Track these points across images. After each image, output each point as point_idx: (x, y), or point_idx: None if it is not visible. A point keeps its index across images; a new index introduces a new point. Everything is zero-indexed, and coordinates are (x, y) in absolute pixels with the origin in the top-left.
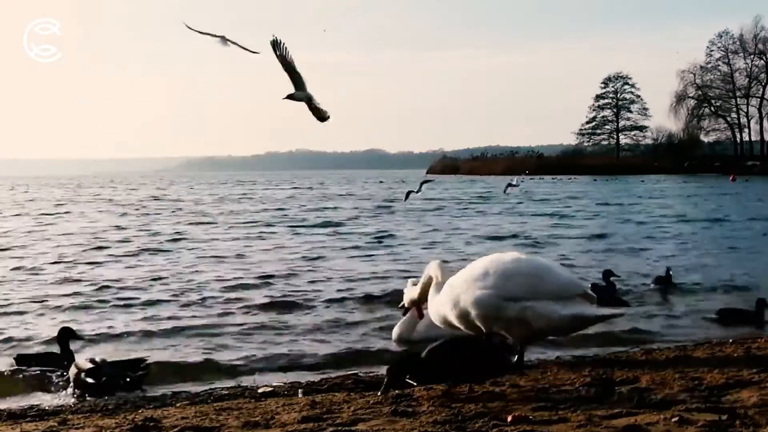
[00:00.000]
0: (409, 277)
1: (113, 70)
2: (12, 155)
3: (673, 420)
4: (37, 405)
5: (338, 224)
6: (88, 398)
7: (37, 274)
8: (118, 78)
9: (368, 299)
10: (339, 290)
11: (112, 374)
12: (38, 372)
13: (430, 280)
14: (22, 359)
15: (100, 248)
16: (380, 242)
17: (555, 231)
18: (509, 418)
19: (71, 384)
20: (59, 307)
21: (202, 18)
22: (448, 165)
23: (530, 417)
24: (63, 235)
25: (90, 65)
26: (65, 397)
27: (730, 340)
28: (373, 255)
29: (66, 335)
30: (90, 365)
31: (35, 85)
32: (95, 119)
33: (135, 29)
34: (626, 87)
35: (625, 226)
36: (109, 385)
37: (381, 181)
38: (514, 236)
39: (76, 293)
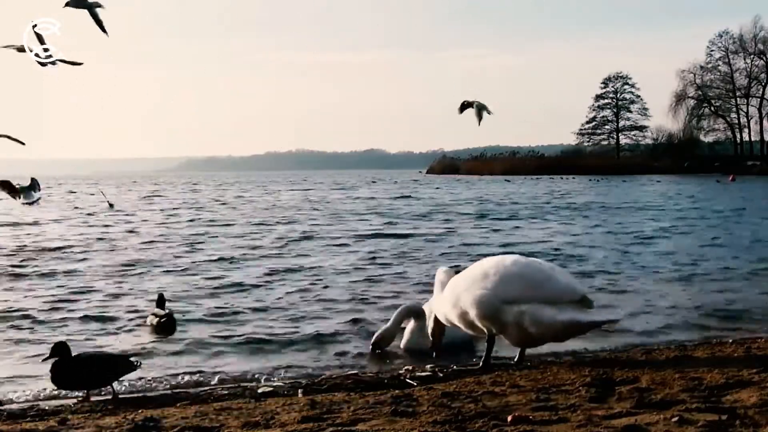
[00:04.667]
0: None
1: (114, 70)
2: (10, 155)
3: (673, 420)
4: (37, 405)
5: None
6: (87, 398)
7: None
8: (118, 78)
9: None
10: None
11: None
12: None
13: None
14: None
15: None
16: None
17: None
18: (509, 418)
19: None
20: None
21: (202, 18)
22: (448, 165)
23: (530, 417)
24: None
25: (91, 65)
26: (65, 397)
27: (730, 340)
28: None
29: (161, 300)
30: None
31: (35, 85)
32: (95, 119)
33: (135, 29)
34: (626, 87)
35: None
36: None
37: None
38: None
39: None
